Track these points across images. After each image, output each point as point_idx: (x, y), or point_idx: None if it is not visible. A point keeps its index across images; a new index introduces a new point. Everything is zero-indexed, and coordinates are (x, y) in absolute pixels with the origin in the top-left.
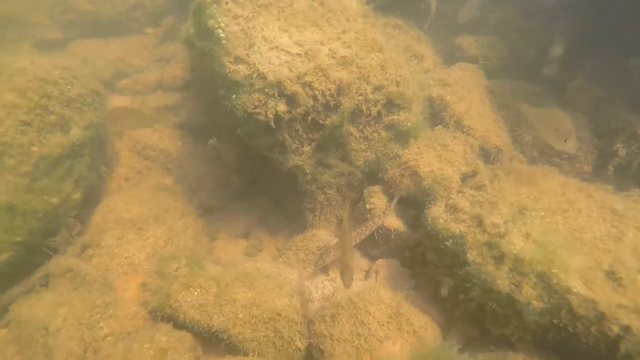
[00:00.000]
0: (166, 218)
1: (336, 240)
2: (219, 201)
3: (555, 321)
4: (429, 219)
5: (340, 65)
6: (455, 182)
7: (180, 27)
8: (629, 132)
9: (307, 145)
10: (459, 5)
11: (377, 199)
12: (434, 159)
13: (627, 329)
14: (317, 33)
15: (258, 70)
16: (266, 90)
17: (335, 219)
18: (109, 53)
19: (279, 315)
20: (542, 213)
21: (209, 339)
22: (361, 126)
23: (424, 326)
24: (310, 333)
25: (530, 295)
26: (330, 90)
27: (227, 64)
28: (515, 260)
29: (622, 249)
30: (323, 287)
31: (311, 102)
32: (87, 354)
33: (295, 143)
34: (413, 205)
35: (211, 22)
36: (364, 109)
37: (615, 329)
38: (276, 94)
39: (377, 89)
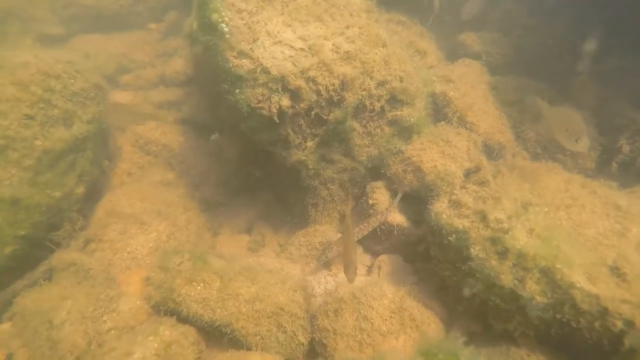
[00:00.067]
0: (169, 213)
1: (339, 235)
2: (221, 196)
3: (558, 316)
4: (432, 214)
5: (343, 60)
6: (458, 177)
7: (183, 22)
8: (633, 128)
9: (310, 141)
10: (462, 1)
11: (380, 195)
12: (437, 154)
13: (630, 323)
14: (321, 28)
15: (262, 64)
16: (270, 84)
17: (338, 215)
18: (112, 48)
19: (282, 309)
20: (546, 209)
21: (212, 333)
22: (364, 121)
23: (427, 321)
24: (313, 328)
25: (533, 290)
26: (333, 85)
27: (230, 58)
28: (518, 256)
29: (626, 245)
30: (326, 282)
31: (315, 97)
32: (92, 347)
33: (298, 138)
34: (416, 200)
35: (215, 16)
36: (368, 104)
37: (619, 324)
38: (280, 89)
39: (381, 84)
